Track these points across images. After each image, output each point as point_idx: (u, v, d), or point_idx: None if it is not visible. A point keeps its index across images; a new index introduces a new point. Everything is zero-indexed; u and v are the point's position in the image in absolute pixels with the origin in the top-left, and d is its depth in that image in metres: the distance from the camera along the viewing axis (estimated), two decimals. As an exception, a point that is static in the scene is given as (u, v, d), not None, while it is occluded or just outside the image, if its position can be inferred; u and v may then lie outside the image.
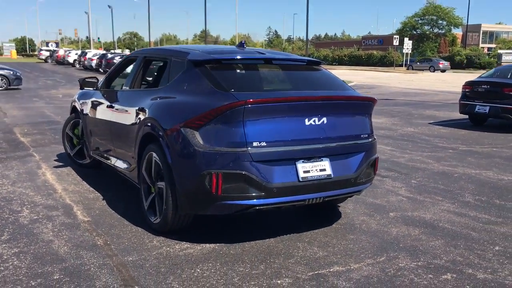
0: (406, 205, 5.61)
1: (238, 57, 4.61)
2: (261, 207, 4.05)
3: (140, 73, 5.59)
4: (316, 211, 5.33)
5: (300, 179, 4.09)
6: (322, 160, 4.24)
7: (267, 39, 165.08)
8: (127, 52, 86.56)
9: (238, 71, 4.55)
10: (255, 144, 3.91)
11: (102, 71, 34.72)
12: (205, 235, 4.46)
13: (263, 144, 3.94)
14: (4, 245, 4.16)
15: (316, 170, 4.18)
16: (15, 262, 3.83)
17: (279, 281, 3.58)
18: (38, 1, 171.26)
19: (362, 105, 4.59)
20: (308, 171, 4.14)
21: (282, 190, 4.01)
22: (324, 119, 4.21)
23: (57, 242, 4.26)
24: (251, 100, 3.88)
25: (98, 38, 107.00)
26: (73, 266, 3.78)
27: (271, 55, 4.80)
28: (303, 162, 4.14)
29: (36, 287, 3.43)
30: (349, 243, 4.37)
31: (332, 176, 4.25)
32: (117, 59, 32.43)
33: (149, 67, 5.92)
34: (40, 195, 5.72)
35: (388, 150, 8.99)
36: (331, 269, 3.81)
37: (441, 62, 54.63)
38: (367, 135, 4.54)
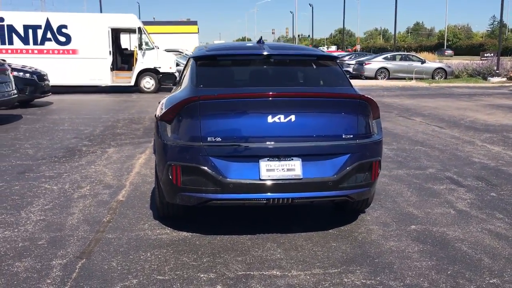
0: (446, 219, 4.90)
1: (234, 53, 4.67)
2: (218, 202, 4.10)
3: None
4: (329, 212, 5.04)
5: (261, 177, 4.01)
6: (292, 159, 4.07)
7: (489, 29, 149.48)
8: (332, 48, 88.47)
9: (228, 67, 4.62)
10: (209, 139, 3.98)
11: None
12: (195, 224, 4.65)
13: (218, 139, 3.98)
14: (36, 210, 5.03)
15: (282, 169, 4.04)
16: (29, 227, 4.62)
17: (202, 275, 3.63)
18: (256, 4, 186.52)
19: (344, 103, 4.22)
20: (272, 170, 4.03)
21: (239, 186, 4.00)
22: (293, 117, 4.03)
23: (75, 215, 4.96)
24: (204, 96, 3.97)
25: (309, 36, 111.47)
26: (61, 236, 4.40)
27: (276, 51, 4.72)
28: (268, 160, 4.04)
29: (22, 248, 4.13)
30: (321, 250, 4.10)
31: (302, 177, 4.05)
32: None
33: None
34: (113, 176, 6.60)
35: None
36: (265, 272, 3.68)
37: None
38: (352, 136, 4.15)
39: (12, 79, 12.11)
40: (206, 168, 3.98)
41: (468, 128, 10.90)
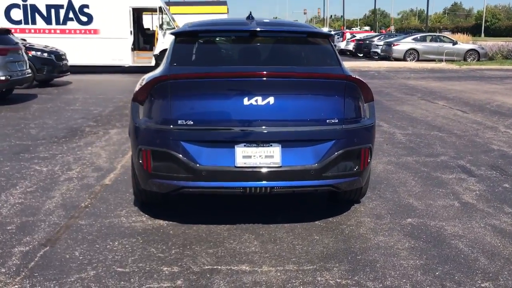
0: (447, 213, 4.49)
1: (217, 29, 4.33)
2: (190, 190, 3.81)
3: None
4: (320, 202, 4.71)
5: (237, 164, 3.70)
6: (271, 145, 3.74)
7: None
8: (366, 29, 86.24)
9: (209, 44, 4.30)
10: (180, 122, 3.68)
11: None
12: (175, 212, 4.39)
13: (190, 122, 3.68)
14: (17, 193, 4.86)
15: (260, 156, 3.71)
16: (3, 210, 4.45)
17: (165, 268, 3.38)
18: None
19: (329, 85, 3.84)
20: (249, 157, 3.71)
21: (212, 174, 3.70)
22: (271, 100, 3.68)
23: (54, 199, 4.77)
24: (174, 75, 3.66)
25: (341, 16, 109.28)
26: (33, 221, 4.20)
27: (262, 27, 4.34)
28: (244, 146, 3.73)
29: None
30: (301, 244, 3.78)
31: (281, 164, 3.71)
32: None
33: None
34: (107, 158, 6.40)
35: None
36: (234, 267, 3.39)
37: None
38: (337, 120, 3.78)
39: (26, 58, 12.07)
40: (176, 153, 3.70)
41: (493, 112, 10.28)
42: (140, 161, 3.86)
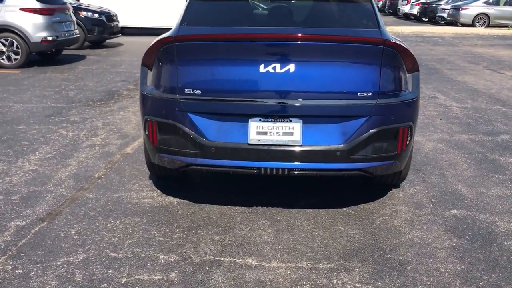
0: (502, 205, 3.85)
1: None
2: (198, 168, 3.39)
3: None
4: (352, 185, 4.17)
5: (250, 141, 3.23)
6: (291, 121, 3.23)
7: None
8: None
9: (229, 2, 3.76)
10: (187, 91, 3.24)
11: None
12: (190, 189, 4.03)
13: (198, 92, 3.23)
14: (34, 159, 4.65)
15: (277, 133, 3.23)
16: (14, 178, 4.24)
17: (162, 256, 3.01)
18: None
19: (363, 51, 3.24)
20: (264, 133, 3.23)
21: (222, 151, 3.26)
22: (292, 67, 3.15)
23: (69, 168, 4.52)
24: (180, 36, 3.19)
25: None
26: (40, 191, 3.96)
27: None
28: (260, 120, 3.24)
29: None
30: (321, 236, 3.30)
31: (302, 143, 3.21)
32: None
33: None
34: (136, 124, 6.10)
35: None
36: (238, 260, 2.97)
37: None
38: (370, 93, 3.20)
39: (74, 19, 11.96)
40: (183, 126, 3.27)
41: None
42: (147, 133, 3.47)
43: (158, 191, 3.98)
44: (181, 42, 3.24)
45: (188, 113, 3.26)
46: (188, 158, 3.33)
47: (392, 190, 4.09)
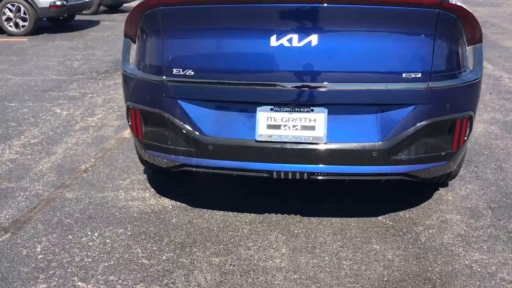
0: None
1: None
2: (193, 169, 2.66)
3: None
4: (389, 184, 3.38)
5: (259, 138, 2.47)
6: (312, 111, 2.46)
7: None
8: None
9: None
10: (176, 71, 2.48)
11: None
12: (190, 188, 3.33)
13: (189, 72, 2.47)
14: (17, 145, 4.00)
15: (294, 126, 2.46)
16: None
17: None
18: None
19: (410, 16, 2.39)
20: (277, 127, 2.47)
21: (223, 149, 2.52)
22: (314, 39, 2.35)
23: (54, 157, 3.86)
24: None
25: None
26: (12, 189, 3.32)
27: None
28: (271, 110, 2.48)
29: None
30: (350, 259, 2.56)
31: (327, 141, 2.44)
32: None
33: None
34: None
35: None
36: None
37: None
38: (420, 75, 2.39)
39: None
40: (172, 117, 2.54)
41: None
42: (130, 123, 2.75)
43: (152, 190, 3.29)
44: (168, 6, 2.47)
45: (178, 100, 2.52)
46: (180, 157, 2.61)
47: (438, 190, 3.30)
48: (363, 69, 2.39)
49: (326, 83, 2.40)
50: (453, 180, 3.36)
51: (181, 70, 2.46)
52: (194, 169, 2.65)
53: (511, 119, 4.75)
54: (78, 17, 11.59)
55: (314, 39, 2.34)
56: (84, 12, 11.90)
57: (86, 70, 6.88)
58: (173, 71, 2.47)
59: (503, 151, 3.96)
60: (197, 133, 2.52)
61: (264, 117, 2.48)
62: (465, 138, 2.60)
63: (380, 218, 2.95)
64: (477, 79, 2.57)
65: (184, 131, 2.53)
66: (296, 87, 2.42)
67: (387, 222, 2.90)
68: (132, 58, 2.73)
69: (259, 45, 2.40)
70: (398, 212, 3.01)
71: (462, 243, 2.69)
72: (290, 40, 2.35)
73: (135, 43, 2.72)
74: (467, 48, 2.55)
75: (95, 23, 11.64)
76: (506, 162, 3.75)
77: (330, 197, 3.17)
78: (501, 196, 3.22)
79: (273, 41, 2.36)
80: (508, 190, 3.30)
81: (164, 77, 2.50)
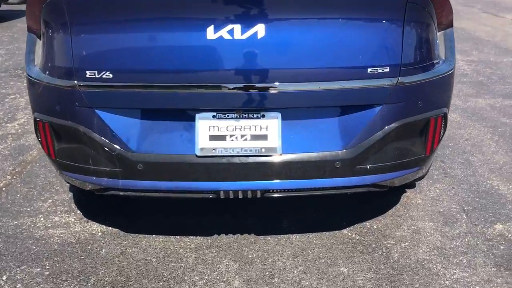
0: (558, 211, 2.76)
1: None
2: (120, 193, 2.18)
3: None
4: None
5: (200, 152, 2.02)
6: (263, 116, 2.03)
7: None
8: None
9: None
10: (89, 74, 1.98)
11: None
12: (129, 208, 2.83)
13: (107, 75, 1.97)
14: None
15: (242, 136, 2.03)
16: None
17: None
18: None
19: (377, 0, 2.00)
20: (222, 137, 2.02)
21: (156, 168, 2.05)
22: (260, 29, 1.91)
23: (-39, 175, 3.26)
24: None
25: None
26: None
27: None
28: (214, 117, 2.02)
29: None
30: (312, 286, 2.16)
31: (282, 151, 2.01)
32: None
33: None
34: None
35: None
36: None
37: None
38: (388, 69, 1.99)
39: (9, -32, 10.26)
40: (89, 130, 2.05)
41: None
42: (39, 139, 2.23)
43: (78, 212, 2.78)
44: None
45: (96, 110, 2.03)
46: (103, 180, 2.12)
47: (406, 192, 2.97)
48: (321, 65, 1.97)
49: (277, 83, 1.97)
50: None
51: (96, 72, 1.96)
52: (122, 193, 2.16)
53: (471, 105, 4.51)
54: (4, 7, 10.63)
55: (260, 29, 1.90)
56: (10, 1, 10.94)
57: (9, 66, 6.16)
58: (86, 73, 1.97)
59: (468, 142, 3.69)
60: (122, 150, 2.03)
61: (205, 126, 2.02)
62: (440, 138, 2.25)
63: (344, 231, 2.57)
64: (450, 70, 2.21)
65: (106, 148, 2.04)
66: (242, 88, 1.97)
67: (353, 236, 2.53)
68: (38, 58, 2.20)
69: (193, 38, 1.93)
70: (364, 223, 2.65)
71: (440, 258, 2.35)
72: (231, 32, 1.90)
73: (40, 39, 2.19)
74: (438, 34, 2.19)
75: (23, 13, 10.70)
76: (473, 155, 3.47)
77: (288, 210, 2.77)
78: (473, 196, 2.92)
79: (210, 33, 1.90)
80: (479, 188, 3.01)
81: (75, 82, 1.99)
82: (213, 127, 2.03)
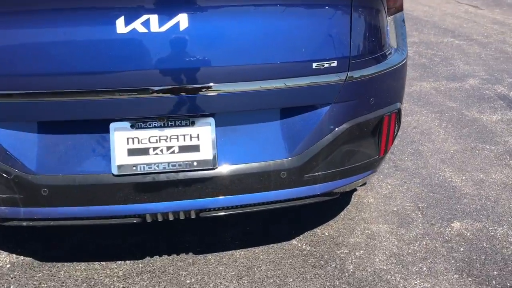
0: (514, 202, 2.63)
1: None
2: (23, 223, 1.80)
3: None
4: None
5: (117, 170, 1.67)
6: (193, 123, 1.70)
7: None
8: None
9: None
10: (-28, 81, 1.57)
11: None
12: (49, 232, 2.42)
13: (-6, 83, 1.57)
14: None
15: (168, 148, 1.69)
16: None
17: None
18: None
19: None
20: (144, 151, 1.69)
21: (65, 192, 1.68)
22: (182, 20, 1.57)
23: None
24: None
25: None
26: None
27: None
28: (132, 127, 1.68)
29: None
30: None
31: (217, 163, 1.70)
32: None
33: None
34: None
35: None
36: None
37: None
38: (336, 63, 1.71)
39: None
40: (-21, 151, 1.64)
41: (513, 7, 8.18)
42: None
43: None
44: None
45: (-15, 125, 1.63)
46: (0, 209, 1.73)
47: (356, 190, 2.74)
48: (258, 61, 1.66)
49: (208, 83, 1.65)
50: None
51: (-20, 79, 1.56)
52: (25, 223, 1.78)
53: (416, 89, 4.37)
54: None
55: (183, 20, 1.57)
56: None
57: None
58: (-32, 80, 1.57)
59: (416, 130, 3.52)
60: (21, 172, 1.66)
61: (122, 139, 1.68)
62: (394, 138, 2.02)
63: (294, 242, 2.31)
64: (403, 60, 1.98)
65: (4, 170, 1.65)
66: (164, 91, 1.64)
67: (304, 247, 2.28)
68: None
69: (99, 33, 1.57)
70: (315, 230, 2.40)
71: (398, 267, 2.14)
72: (146, 23, 1.55)
73: None
74: (388, 19, 1.94)
75: None
76: (422, 144, 3.30)
77: (230, 220, 2.47)
78: (427, 191, 2.73)
79: (121, 26, 1.54)
80: (432, 181, 2.84)
81: (-45, 91, 1.59)
82: (132, 139, 1.68)
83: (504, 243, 2.29)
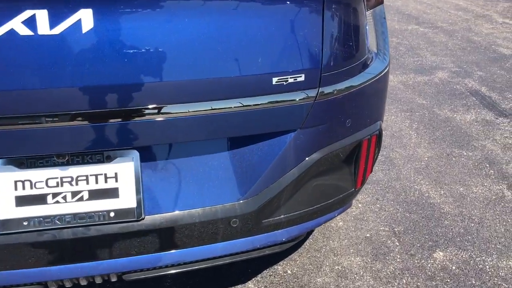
0: (508, 224, 2.30)
1: None
2: None
3: None
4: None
5: (2, 227, 1.18)
6: (108, 159, 1.23)
7: None
8: None
9: None
10: None
11: None
12: None
13: None
14: None
15: (75, 194, 1.22)
16: None
17: None
18: None
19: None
20: (39, 199, 1.20)
21: None
22: (85, 17, 1.08)
23: None
24: None
25: None
26: None
27: None
28: (22, 166, 1.19)
29: None
30: None
31: (143, 214, 1.24)
32: None
33: None
34: None
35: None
36: None
37: None
38: (303, 77, 1.28)
39: None
40: None
41: (475, -8, 7.97)
42: None
43: None
44: None
45: None
46: None
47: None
48: (197, 76, 1.21)
49: (127, 105, 1.18)
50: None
51: None
52: None
53: (382, 83, 4.00)
54: None
55: (86, 18, 1.08)
56: None
57: None
58: None
59: (385, 132, 3.16)
60: None
61: (7, 182, 1.20)
62: (373, 165, 1.61)
63: (250, 285, 1.89)
64: (386, 67, 1.56)
65: None
66: (68, 115, 1.16)
67: (279, 281, 1.86)
68: None
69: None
70: (276, 267, 1.99)
71: (376, 317, 1.76)
72: (31, 23, 1.06)
73: None
74: (367, 13, 1.52)
75: None
76: (393, 150, 2.94)
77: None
78: (402, 210, 2.37)
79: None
80: (407, 197, 2.48)
81: None
82: (23, 182, 1.21)
83: (496, 279, 1.96)
